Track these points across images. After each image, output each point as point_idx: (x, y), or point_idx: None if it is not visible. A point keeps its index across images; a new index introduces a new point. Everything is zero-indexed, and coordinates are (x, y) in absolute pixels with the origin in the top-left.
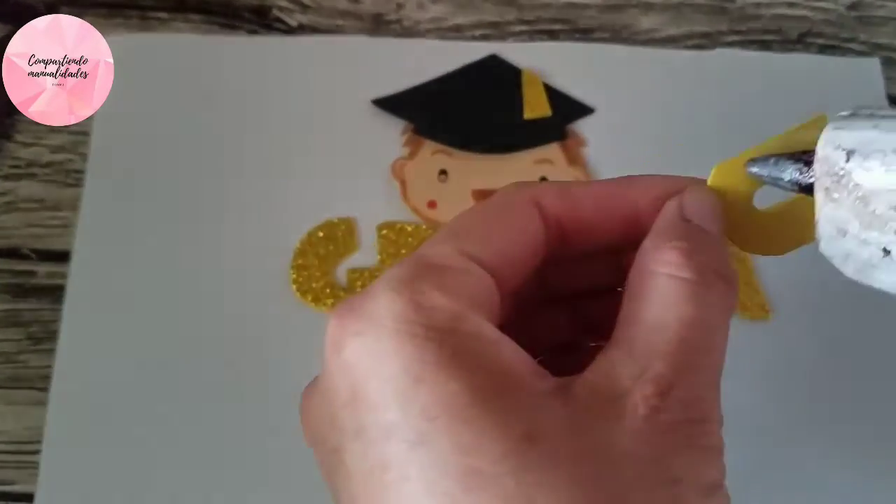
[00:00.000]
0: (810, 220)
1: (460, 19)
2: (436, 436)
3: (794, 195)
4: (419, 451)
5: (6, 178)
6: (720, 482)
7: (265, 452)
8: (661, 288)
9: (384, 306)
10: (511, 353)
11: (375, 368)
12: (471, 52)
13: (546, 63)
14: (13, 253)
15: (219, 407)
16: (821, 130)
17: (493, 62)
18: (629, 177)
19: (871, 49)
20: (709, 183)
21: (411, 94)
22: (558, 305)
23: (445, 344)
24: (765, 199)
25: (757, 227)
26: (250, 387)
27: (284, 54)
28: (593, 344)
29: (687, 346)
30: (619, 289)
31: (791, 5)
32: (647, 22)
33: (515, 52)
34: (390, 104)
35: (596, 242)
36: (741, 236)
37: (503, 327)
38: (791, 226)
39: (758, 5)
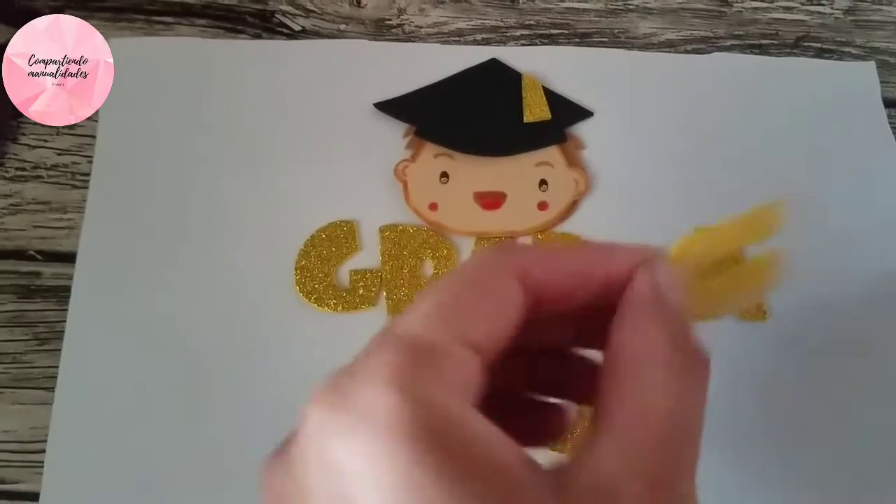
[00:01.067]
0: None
1: (461, 24)
2: None
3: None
4: None
5: (12, 180)
6: None
7: (269, 451)
8: (646, 376)
9: (378, 401)
10: (506, 449)
11: (369, 474)
12: (472, 56)
13: (546, 67)
14: (19, 254)
15: (223, 406)
16: (778, 215)
17: (494, 66)
18: (610, 246)
19: (867, 53)
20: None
21: (413, 98)
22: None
23: (443, 446)
24: None
25: (711, 298)
26: (254, 386)
27: (288, 58)
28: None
29: (674, 439)
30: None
31: (787, 9)
32: (645, 26)
33: (516, 56)
34: (392, 107)
35: (566, 306)
36: (698, 308)
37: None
38: (736, 292)
39: (755, 10)
